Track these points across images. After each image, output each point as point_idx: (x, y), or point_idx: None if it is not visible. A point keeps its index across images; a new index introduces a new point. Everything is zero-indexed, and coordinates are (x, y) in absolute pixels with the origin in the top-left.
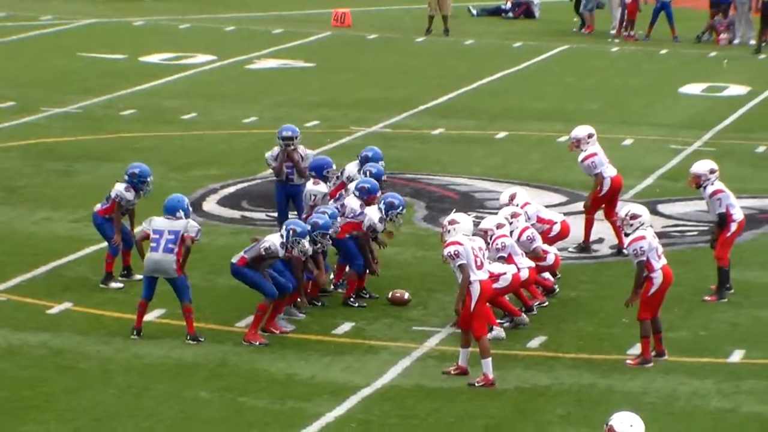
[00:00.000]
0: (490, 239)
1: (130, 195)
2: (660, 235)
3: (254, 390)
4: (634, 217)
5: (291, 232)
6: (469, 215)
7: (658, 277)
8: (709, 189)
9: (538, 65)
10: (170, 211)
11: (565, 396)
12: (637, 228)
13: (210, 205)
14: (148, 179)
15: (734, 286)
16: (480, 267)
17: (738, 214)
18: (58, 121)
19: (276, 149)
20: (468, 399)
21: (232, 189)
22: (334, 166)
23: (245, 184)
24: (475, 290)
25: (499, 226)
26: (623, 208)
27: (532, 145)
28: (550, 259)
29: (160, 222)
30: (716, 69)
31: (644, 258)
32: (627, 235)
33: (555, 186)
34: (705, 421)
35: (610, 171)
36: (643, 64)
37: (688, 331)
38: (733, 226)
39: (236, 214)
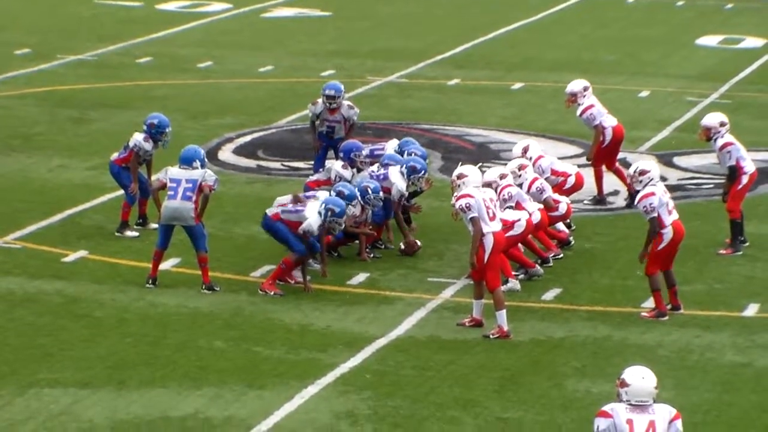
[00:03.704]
0: (496, 191)
1: (148, 145)
2: (675, 187)
3: (269, 340)
4: (642, 173)
5: (330, 212)
6: (479, 167)
7: (668, 233)
8: (719, 142)
9: (555, 16)
10: (186, 162)
11: (580, 348)
12: (646, 184)
13: (226, 154)
14: (167, 130)
15: (750, 239)
16: (492, 218)
17: (749, 167)
18: (74, 69)
19: (320, 103)
20: (483, 351)
21: (248, 138)
22: (365, 151)
23: (261, 133)
24: (489, 242)
25: (503, 176)
26: (632, 165)
27: (548, 96)
28: (562, 208)
29: (176, 171)
30: (733, 21)
31: (655, 214)
32: (637, 191)
33: (570, 137)
34: (719, 375)
35: (610, 121)
36: (659, 15)
37: (703, 284)
38: (744, 179)
39: (252, 163)
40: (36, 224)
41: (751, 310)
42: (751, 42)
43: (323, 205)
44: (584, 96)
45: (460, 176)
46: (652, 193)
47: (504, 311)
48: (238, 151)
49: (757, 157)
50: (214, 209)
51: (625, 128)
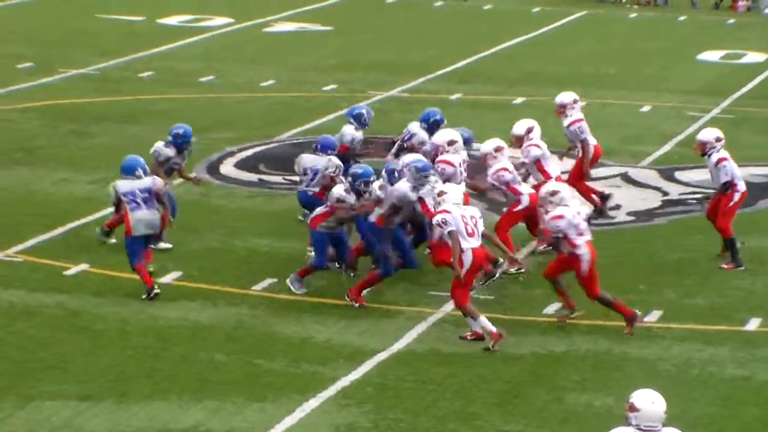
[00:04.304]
0: (434, 160)
1: (170, 151)
2: (677, 202)
3: (270, 353)
4: (553, 193)
5: (414, 169)
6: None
7: (585, 254)
8: (714, 156)
9: (557, 30)
10: (129, 171)
11: (581, 362)
12: (557, 204)
13: (227, 168)
14: (192, 140)
15: (750, 254)
16: (471, 234)
17: (741, 185)
18: (76, 83)
19: (351, 129)
20: (483, 364)
21: (249, 152)
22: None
23: (263, 147)
24: (468, 259)
25: (451, 143)
26: (543, 186)
27: (550, 111)
28: (525, 201)
29: (125, 185)
30: (734, 36)
31: (560, 234)
32: (547, 212)
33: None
34: (720, 389)
35: (592, 139)
36: (661, 30)
37: (703, 298)
38: (736, 196)
39: (253, 177)
40: (38, 237)
41: (753, 324)
42: (753, 57)
43: (407, 168)
44: (573, 108)
45: (440, 194)
46: (562, 216)
47: (481, 318)
48: (240, 165)
49: (759, 172)
50: (215, 222)
51: (626, 143)
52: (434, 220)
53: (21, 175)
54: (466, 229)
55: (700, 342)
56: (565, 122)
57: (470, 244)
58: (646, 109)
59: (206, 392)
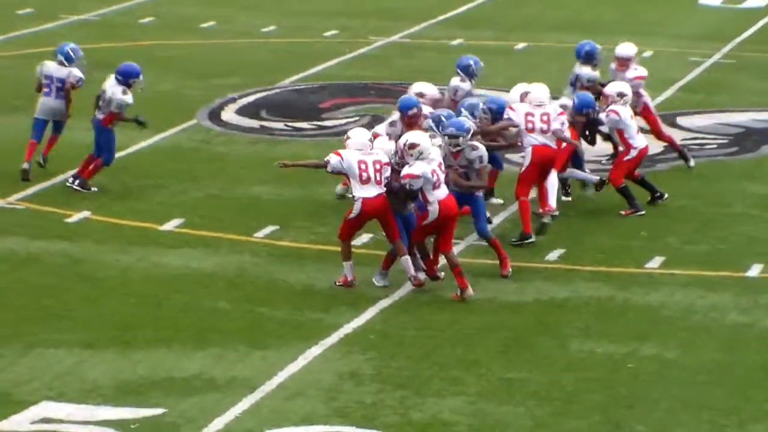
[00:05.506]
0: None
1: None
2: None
3: (273, 300)
4: (412, 146)
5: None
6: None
7: (433, 210)
8: (610, 107)
9: None
10: (54, 55)
11: (584, 309)
12: (417, 158)
13: (228, 114)
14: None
15: (754, 200)
16: (367, 181)
17: (638, 142)
18: (77, 29)
19: (458, 81)
20: (486, 311)
21: (251, 98)
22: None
23: (264, 94)
24: (356, 208)
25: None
26: (402, 137)
27: (551, 56)
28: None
29: (52, 68)
30: None
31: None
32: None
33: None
34: (722, 335)
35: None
36: None
37: (706, 244)
38: (633, 152)
39: (255, 123)
40: (39, 185)
41: (755, 270)
42: (754, 2)
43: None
44: (635, 61)
45: (346, 137)
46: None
47: (349, 263)
48: (241, 111)
49: (760, 117)
50: (217, 170)
51: None
52: (328, 160)
53: (22, 122)
54: (362, 176)
55: (703, 288)
56: (632, 74)
57: (362, 192)
58: (647, 54)
59: (209, 340)
